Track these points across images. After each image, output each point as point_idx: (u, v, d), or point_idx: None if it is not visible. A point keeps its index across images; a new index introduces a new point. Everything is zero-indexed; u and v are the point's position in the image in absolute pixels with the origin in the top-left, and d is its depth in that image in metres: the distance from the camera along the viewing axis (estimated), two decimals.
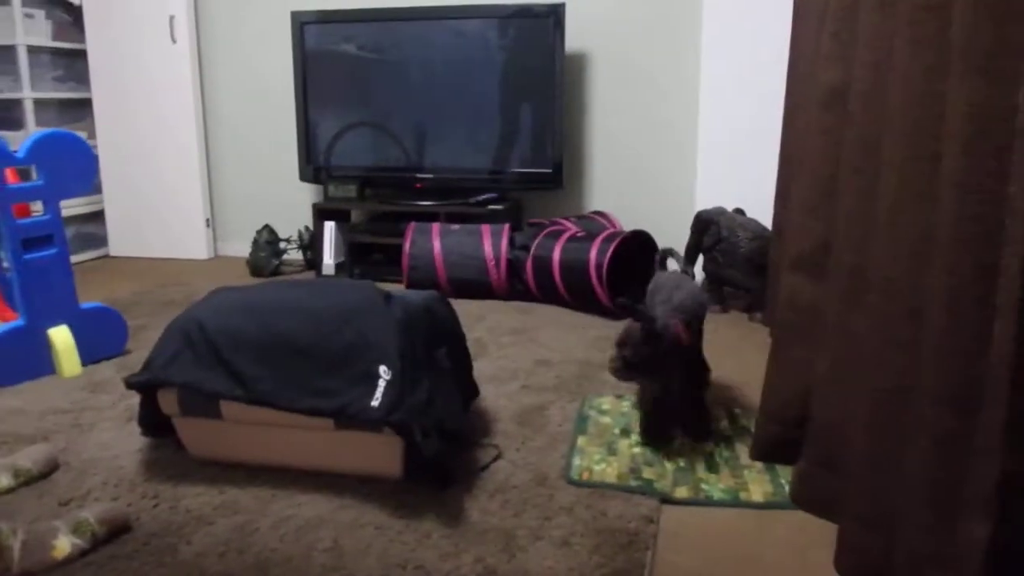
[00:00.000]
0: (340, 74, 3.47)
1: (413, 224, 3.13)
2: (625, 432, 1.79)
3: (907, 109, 1.09)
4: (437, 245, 3.04)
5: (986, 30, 0.91)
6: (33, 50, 3.60)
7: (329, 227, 3.51)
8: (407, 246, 3.06)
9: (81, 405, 1.95)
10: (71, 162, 2.18)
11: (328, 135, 3.55)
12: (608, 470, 1.60)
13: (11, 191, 2.06)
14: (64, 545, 1.27)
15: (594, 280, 2.71)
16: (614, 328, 2.64)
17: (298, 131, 3.57)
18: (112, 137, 3.87)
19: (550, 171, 3.32)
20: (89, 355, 2.25)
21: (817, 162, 1.48)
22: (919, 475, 1.04)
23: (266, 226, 3.60)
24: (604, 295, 2.71)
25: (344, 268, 3.52)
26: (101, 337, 2.29)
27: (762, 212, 2.88)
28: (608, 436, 1.77)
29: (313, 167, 3.59)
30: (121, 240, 4.00)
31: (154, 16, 3.72)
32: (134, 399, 1.91)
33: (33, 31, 3.61)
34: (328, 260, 3.50)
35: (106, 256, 4.02)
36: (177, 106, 3.81)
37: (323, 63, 3.48)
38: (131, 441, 1.74)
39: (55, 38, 3.73)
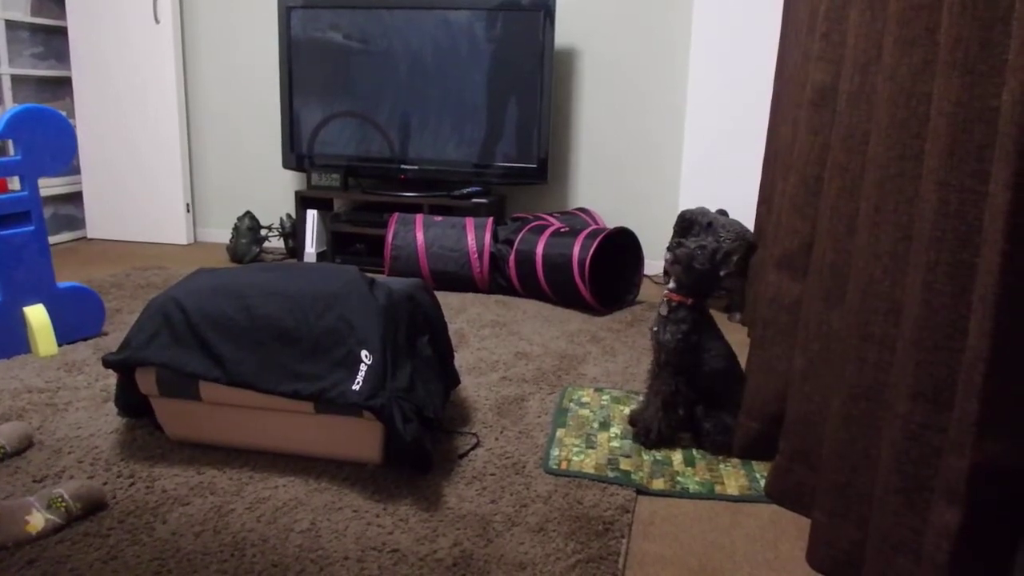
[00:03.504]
0: (326, 62, 3.46)
1: (396, 215, 3.12)
2: (604, 425, 1.80)
3: (893, 108, 1.11)
4: (420, 236, 3.03)
5: (971, 31, 0.93)
6: (11, 25, 3.55)
7: (311, 215, 3.49)
8: (390, 237, 3.05)
9: (56, 385, 1.93)
10: (50, 138, 2.15)
11: (313, 123, 3.53)
12: (586, 461, 1.61)
13: None
14: (38, 521, 1.26)
15: (576, 276, 2.72)
16: (594, 323, 2.66)
17: (282, 117, 3.54)
18: (91, 117, 3.82)
19: (535, 166, 3.33)
20: (65, 335, 2.22)
21: (805, 162, 1.49)
22: (891, 466, 1.06)
23: (247, 212, 3.57)
24: (586, 291, 2.72)
25: (326, 257, 3.51)
26: (78, 317, 2.27)
27: (744, 214, 2.91)
28: (587, 428, 1.78)
29: (297, 154, 3.57)
30: (99, 222, 3.95)
31: None
32: (110, 380, 1.90)
33: (11, 5, 3.56)
34: (310, 249, 3.49)
35: (83, 238, 3.97)
36: (159, 88, 3.76)
37: (309, 50, 3.46)
38: (107, 421, 1.72)
39: (34, 14, 3.68)
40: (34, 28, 3.70)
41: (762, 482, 1.56)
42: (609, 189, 3.58)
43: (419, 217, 3.11)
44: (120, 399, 1.67)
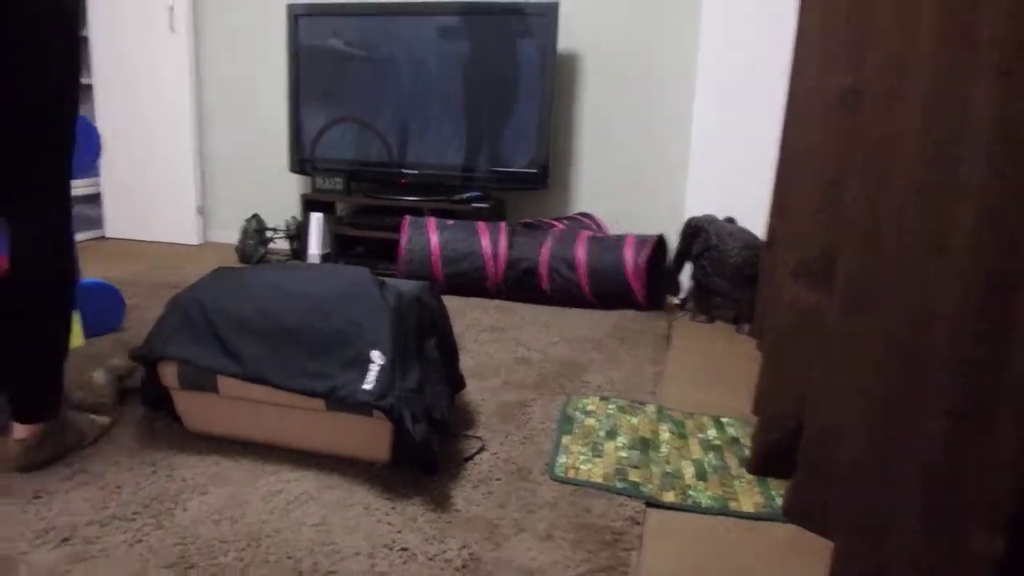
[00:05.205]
0: (331, 68, 3.50)
1: (408, 218, 3.15)
2: (611, 434, 1.81)
3: (925, 113, 1.08)
4: (434, 239, 3.06)
5: (1011, 34, 0.90)
6: None
7: (316, 218, 3.53)
8: (403, 240, 3.08)
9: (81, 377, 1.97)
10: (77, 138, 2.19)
11: (316, 128, 3.57)
12: (594, 470, 1.61)
13: None
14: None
15: (631, 277, 2.75)
16: (596, 330, 2.66)
17: (289, 123, 3.59)
18: (111, 122, 3.93)
19: (536, 171, 3.33)
20: (87, 330, 2.27)
21: (821, 168, 1.46)
22: (918, 486, 1.02)
23: (255, 215, 3.63)
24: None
25: (329, 259, 3.55)
26: (99, 312, 2.32)
27: (753, 221, 2.86)
28: (593, 437, 1.78)
29: (301, 159, 3.62)
30: (116, 222, 4.05)
31: (154, 5, 3.78)
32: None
33: None
34: (314, 251, 3.53)
35: (101, 237, 4.05)
36: (175, 95, 3.86)
37: (315, 56, 3.50)
38: (127, 412, 1.77)
39: None
40: None
41: (778, 500, 1.52)
42: (612, 195, 3.57)
43: (431, 220, 3.13)
44: (145, 392, 1.71)
